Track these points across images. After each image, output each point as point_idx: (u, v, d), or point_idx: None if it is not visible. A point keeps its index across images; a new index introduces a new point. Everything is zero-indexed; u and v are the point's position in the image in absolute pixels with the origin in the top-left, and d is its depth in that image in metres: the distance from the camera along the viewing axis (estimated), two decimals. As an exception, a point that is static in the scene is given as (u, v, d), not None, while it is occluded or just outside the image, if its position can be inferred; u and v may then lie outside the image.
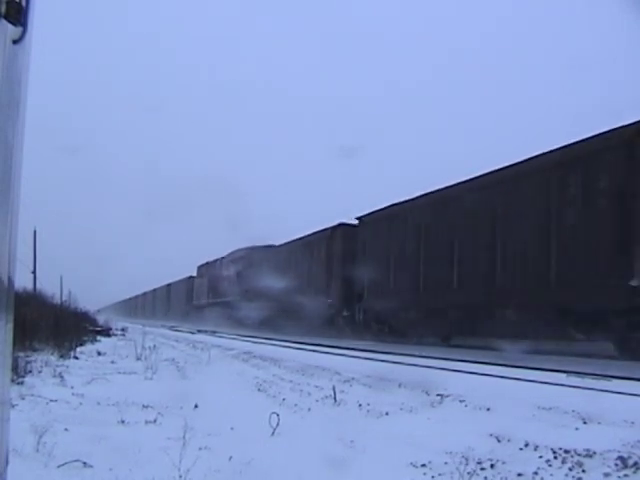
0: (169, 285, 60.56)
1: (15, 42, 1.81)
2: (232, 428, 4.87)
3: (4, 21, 1.76)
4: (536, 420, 5.25)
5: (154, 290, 69.97)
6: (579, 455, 4.03)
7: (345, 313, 23.30)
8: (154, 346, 13.11)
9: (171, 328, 35.03)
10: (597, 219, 12.18)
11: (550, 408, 5.68)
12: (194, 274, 49.65)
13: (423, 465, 3.90)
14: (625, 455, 3.93)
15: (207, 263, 44.02)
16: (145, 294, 76.89)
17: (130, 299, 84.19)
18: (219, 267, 40.46)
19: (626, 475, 3.62)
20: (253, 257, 32.99)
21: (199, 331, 30.52)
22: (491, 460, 3.97)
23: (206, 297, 42.88)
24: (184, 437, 3.96)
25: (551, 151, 13.66)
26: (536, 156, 14.10)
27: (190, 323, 40.49)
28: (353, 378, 8.31)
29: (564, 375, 8.44)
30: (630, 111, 11.56)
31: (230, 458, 3.89)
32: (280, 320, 25.46)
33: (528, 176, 14.28)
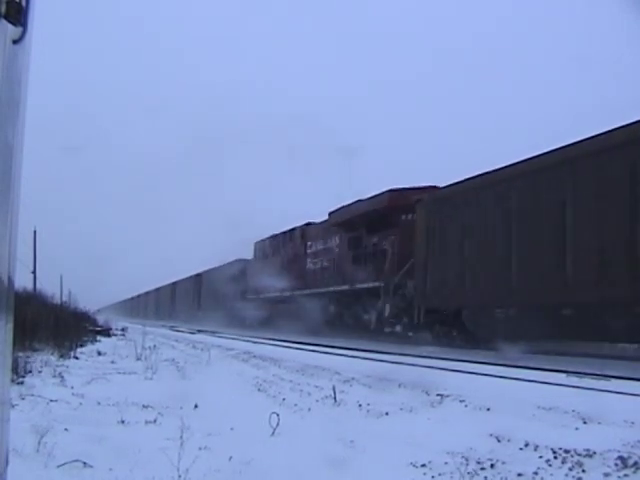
0: (199, 275, 43.87)
1: (15, 42, 1.81)
2: (232, 428, 4.87)
3: (4, 21, 1.76)
4: (536, 420, 5.25)
5: (173, 284, 54.44)
6: (579, 455, 4.03)
7: None
8: (154, 346, 13.12)
9: (171, 328, 34.89)
10: None
11: (550, 408, 5.68)
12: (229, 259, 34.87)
13: (423, 465, 3.90)
14: (625, 455, 3.93)
15: (275, 236, 29.42)
16: (159, 290, 61.76)
17: (139, 296, 72.95)
18: (307, 238, 25.80)
19: (626, 475, 3.62)
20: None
21: (199, 331, 30.43)
22: (491, 460, 3.97)
23: (279, 287, 27.79)
24: (183, 437, 3.96)
25: None
26: None
27: (246, 328, 28.71)
28: (353, 378, 8.31)
29: (564, 375, 8.44)
30: (630, 111, 11.53)
31: (230, 458, 3.90)
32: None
33: None
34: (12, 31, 1.79)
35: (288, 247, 27.65)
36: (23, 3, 1.81)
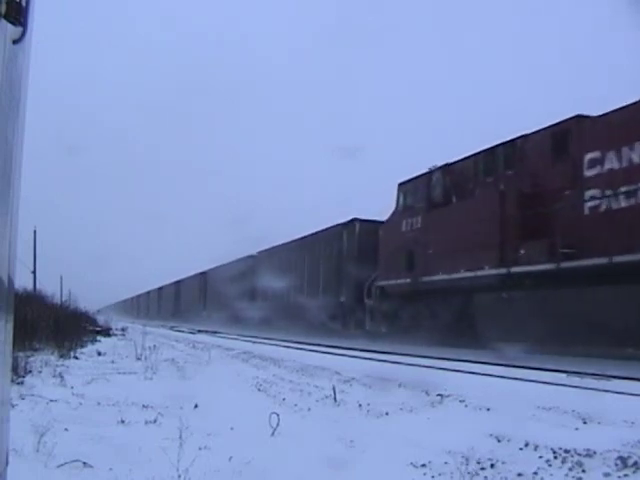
0: (253, 257, 29.03)
1: (15, 42, 1.81)
2: (232, 428, 4.87)
3: (4, 21, 1.76)
4: (536, 420, 5.25)
5: (202, 274, 38.63)
6: (579, 455, 4.03)
7: None
8: (154, 346, 13.10)
9: (171, 328, 34.78)
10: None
11: (550, 408, 5.68)
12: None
13: (423, 465, 3.90)
14: (625, 455, 3.93)
15: (455, 165, 15.95)
16: (178, 283, 46.56)
17: (148, 293, 62.37)
18: (585, 145, 11.63)
19: (626, 475, 3.62)
20: None
21: (199, 331, 30.31)
22: (491, 460, 3.97)
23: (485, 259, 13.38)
24: (183, 437, 3.96)
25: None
26: None
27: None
28: (353, 378, 8.31)
29: (564, 375, 8.44)
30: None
31: (230, 458, 3.89)
32: None
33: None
34: (12, 31, 1.79)
35: (505, 176, 13.94)
36: (23, 3, 1.81)
